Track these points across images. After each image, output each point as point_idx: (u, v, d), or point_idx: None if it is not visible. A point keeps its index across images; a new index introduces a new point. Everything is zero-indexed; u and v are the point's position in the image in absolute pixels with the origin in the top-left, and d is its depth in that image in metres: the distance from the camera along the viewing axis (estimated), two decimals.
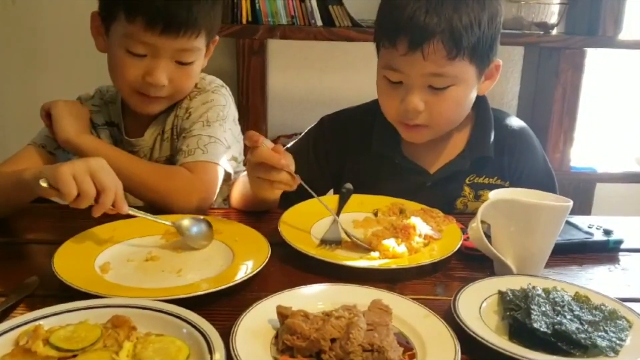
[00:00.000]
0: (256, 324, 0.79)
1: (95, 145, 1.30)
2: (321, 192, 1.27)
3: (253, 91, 2.40)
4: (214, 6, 1.31)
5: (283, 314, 0.78)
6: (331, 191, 1.46)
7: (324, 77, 2.68)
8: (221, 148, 1.34)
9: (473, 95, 1.28)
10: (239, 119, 1.46)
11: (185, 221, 1.07)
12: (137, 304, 0.81)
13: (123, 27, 1.25)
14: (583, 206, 2.57)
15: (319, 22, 2.34)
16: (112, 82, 1.38)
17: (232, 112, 1.47)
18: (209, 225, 1.08)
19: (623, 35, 2.41)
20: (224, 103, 1.43)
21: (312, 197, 1.12)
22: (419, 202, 1.25)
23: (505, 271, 0.98)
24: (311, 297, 0.86)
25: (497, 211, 0.98)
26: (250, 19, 2.34)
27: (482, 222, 0.98)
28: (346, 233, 1.10)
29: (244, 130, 1.35)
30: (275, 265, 1.02)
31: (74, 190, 0.98)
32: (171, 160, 1.40)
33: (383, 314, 0.80)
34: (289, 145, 1.45)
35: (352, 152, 1.41)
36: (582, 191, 2.58)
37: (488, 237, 1.01)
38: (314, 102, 2.66)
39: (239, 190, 1.32)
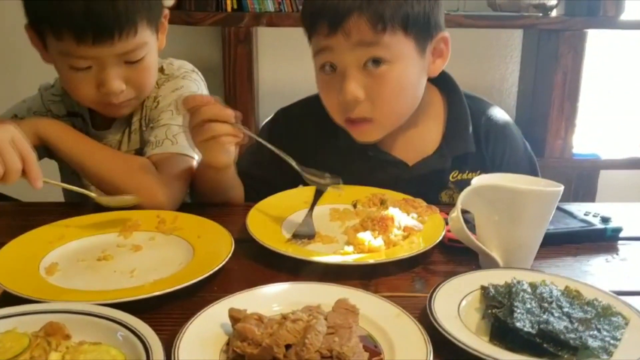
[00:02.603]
0: (207, 329, 0.71)
1: (56, 127, 1.19)
2: (286, 184, 1.19)
3: (240, 82, 2.32)
4: None
5: (235, 318, 0.70)
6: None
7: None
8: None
9: (421, 79, 1.19)
10: None
11: None
12: (74, 309, 0.72)
13: (55, 44, 1.13)
14: (586, 194, 2.48)
15: None
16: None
17: None
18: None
19: (625, 16, 2.31)
20: (195, 89, 1.33)
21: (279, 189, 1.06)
22: (405, 193, 1.16)
23: (491, 264, 0.90)
24: (270, 298, 0.78)
25: (480, 198, 0.89)
26: (235, 6, 2.26)
27: (465, 211, 0.90)
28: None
29: None
30: (241, 263, 0.94)
31: None
32: (141, 153, 1.30)
33: (348, 314, 0.71)
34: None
35: (315, 146, 1.30)
36: (585, 179, 2.49)
37: (472, 227, 0.92)
38: (306, 92, 2.57)
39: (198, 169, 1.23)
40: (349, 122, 1.19)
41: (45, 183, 0.99)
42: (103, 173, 1.15)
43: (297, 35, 2.44)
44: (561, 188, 0.88)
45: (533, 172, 1.31)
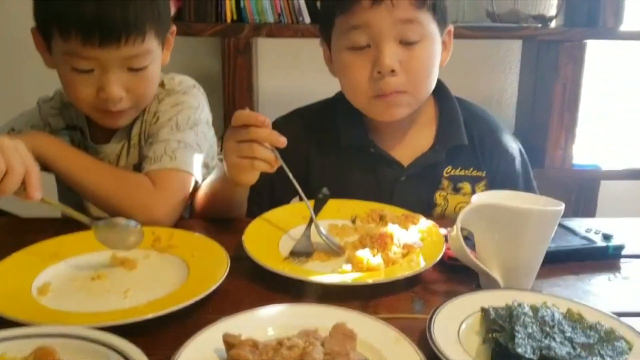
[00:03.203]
0: (200, 355, 0.69)
1: (51, 143, 1.17)
2: (284, 201, 1.17)
3: (240, 92, 2.30)
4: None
5: (230, 343, 0.68)
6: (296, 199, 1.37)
7: (316, 76, 2.58)
8: (192, 154, 1.24)
9: (438, 66, 1.23)
10: (225, 122, 1.36)
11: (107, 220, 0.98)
12: (65, 332, 0.71)
13: (61, 44, 1.13)
14: (587, 206, 2.46)
15: (307, 20, 2.24)
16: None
17: (205, 114, 1.35)
18: (137, 227, 0.98)
19: (624, 26, 2.30)
20: (195, 105, 1.32)
21: (283, 201, 1.04)
22: (396, 197, 1.17)
23: (492, 284, 0.88)
24: (266, 321, 0.76)
25: (479, 217, 0.88)
26: (235, 17, 2.25)
27: (465, 229, 0.88)
28: (320, 235, 1.01)
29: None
30: (238, 282, 0.92)
31: None
32: (139, 168, 1.29)
33: (346, 340, 0.69)
34: None
35: (314, 152, 1.31)
36: (585, 190, 2.47)
37: (473, 245, 0.91)
38: (305, 102, 2.56)
39: (204, 190, 1.22)
40: (378, 97, 1.19)
41: (43, 201, 0.97)
42: (99, 190, 1.14)
43: (296, 46, 2.47)
44: (562, 207, 0.86)
45: (528, 177, 1.34)
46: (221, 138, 1.34)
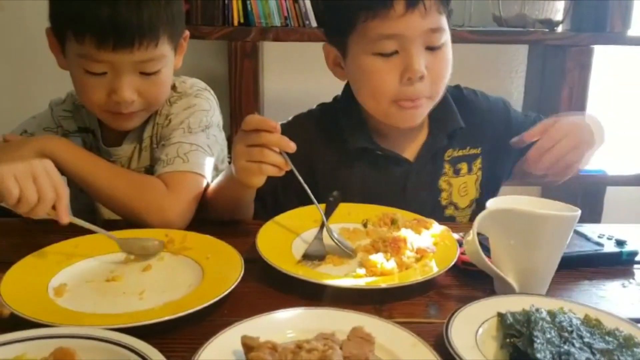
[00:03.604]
0: (219, 356, 0.69)
1: (64, 146, 1.17)
2: (288, 207, 1.17)
3: (246, 95, 2.31)
4: (169, 4, 1.17)
5: (249, 346, 0.68)
6: None
7: (322, 80, 2.58)
8: (204, 157, 1.24)
9: None
10: (231, 125, 1.36)
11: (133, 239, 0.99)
12: (84, 333, 0.71)
13: (75, 47, 1.13)
14: (593, 212, 2.46)
15: (314, 24, 2.25)
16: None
17: (216, 117, 1.36)
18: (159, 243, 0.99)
19: (632, 31, 2.31)
20: (207, 108, 1.32)
21: (293, 205, 1.08)
22: (409, 194, 1.18)
23: (507, 289, 0.88)
24: (284, 324, 0.76)
25: (494, 222, 0.88)
26: (242, 20, 2.26)
27: (480, 234, 0.88)
28: (332, 238, 1.02)
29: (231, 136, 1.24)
30: (251, 285, 0.92)
31: (15, 191, 0.92)
32: (151, 170, 1.30)
33: (364, 344, 0.69)
34: None
35: (319, 158, 1.31)
36: (591, 196, 2.47)
37: (487, 250, 0.91)
38: (311, 106, 2.56)
39: (213, 188, 1.22)
40: (402, 103, 1.18)
41: (71, 222, 0.98)
42: (111, 191, 1.14)
43: (302, 49, 2.47)
44: (578, 212, 0.86)
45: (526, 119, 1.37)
46: (228, 139, 1.35)
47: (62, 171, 1.15)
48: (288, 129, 1.31)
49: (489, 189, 1.34)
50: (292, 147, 1.02)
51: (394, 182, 1.27)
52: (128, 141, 1.33)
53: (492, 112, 1.35)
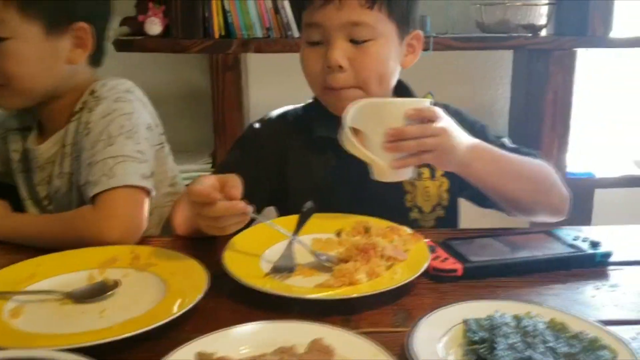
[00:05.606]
0: None
1: None
2: (260, 200, 1.18)
3: (229, 109, 2.29)
4: None
5: None
6: (272, 208, 1.38)
7: (307, 91, 2.57)
8: (133, 165, 1.19)
9: (397, 66, 1.25)
10: (215, 139, 1.33)
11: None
12: (34, 355, 0.69)
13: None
14: (582, 215, 2.44)
15: (296, 34, 2.24)
16: None
17: (142, 119, 1.29)
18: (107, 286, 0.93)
19: (614, 34, 2.30)
20: (129, 111, 1.25)
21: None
22: (369, 188, 1.17)
23: (381, 173, 1.06)
24: (243, 339, 0.74)
25: (362, 115, 1.04)
26: (223, 33, 2.25)
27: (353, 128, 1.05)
28: (313, 253, 1.01)
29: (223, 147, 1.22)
30: (220, 300, 0.90)
31: None
32: (72, 179, 1.29)
33: (323, 356, 0.68)
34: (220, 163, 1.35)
35: (290, 143, 1.32)
36: (580, 199, 2.45)
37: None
38: None
39: (184, 214, 1.19)
40: (328, 90, 1.22)
41: None
42: (45, 240, 1.11)
43: (287, 61, 2.46)
44: (424, 100, 1.08)
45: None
46: (212, 155, 1.33)
47: None
48: (267, 122, 1.38)
49: (462, 195, 1.33)
50: (242, 210, 0.96)
51: (356, 174, 1.23)
52: (50, 143, 1.31)
53: (468, 130, 1.32)
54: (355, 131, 1.06)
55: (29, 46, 1.21)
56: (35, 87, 1.25)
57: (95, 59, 1.34)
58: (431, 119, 1.06)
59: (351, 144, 1.05)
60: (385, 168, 1.04)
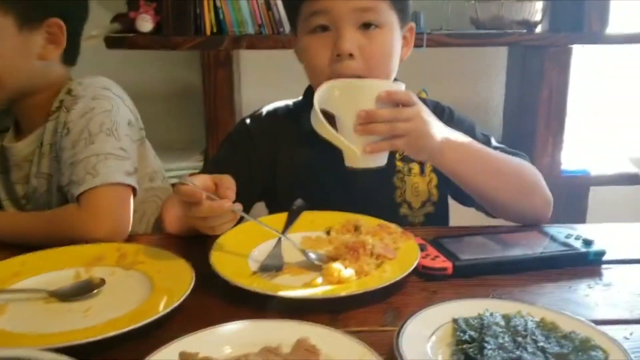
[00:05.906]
0: None
1: None
2: (251, 197, 1.18)
3: (221, 105, 2.27)
4: None
5: None
6: (262, 204, 1.36)
7: (299, 87, 2.56)
8: (116, 162, 1.18)
9: (398, 56, 1.22)
10: (207, 135, 1.31)
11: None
12: (17, 355, 0.67)
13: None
14: (577, 212, 2.43)
15: (288, 30, 2.22)
16: None
17: (122, 115, 1.27)
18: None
19: (610, 30, 2.29)
20: (108, 108, 1.24)
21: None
22: (359, 182, 1.18)
23: (352, 160, 1.03)
24: (228, 338, 0.73)
25: (332, 96, 1.02)
26: (215, 30, 2.23)
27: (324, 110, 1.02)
28: (302, 251, 0.99)
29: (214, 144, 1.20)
30: (207, 298, 0.89)
31: None
32: (50, 180, 1.28)
33: (308, 356, 0.66)
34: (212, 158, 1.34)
35: (282, 136, 1.31)
36: (575, 197, 2.44)
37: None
38: None
39: (174, 213, 1.17)
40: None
41: None
42: (33, 238, 1.09)
43: (279, 57, 2.45)
44: (397, 83, 1.06)
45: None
46: (204, 152, 1.32)
47: None
48: (258, 117, 1.36)
49: (447, 192, 1.32)
50: (230, 209, 0.95)
51: (345, 169, 1.23)
52: (27, 141, 1.30)
53: (456, 126, 1.31)
54: (329, 118, 1.02)
55: (1, 40, 1.19)
56: (7, 82, 1.23)
57: (70, 57, 1.32)
58: (405, 104, 1.03)
59: (321, 125, 1.01)
60: (356, 153, 1.01)
